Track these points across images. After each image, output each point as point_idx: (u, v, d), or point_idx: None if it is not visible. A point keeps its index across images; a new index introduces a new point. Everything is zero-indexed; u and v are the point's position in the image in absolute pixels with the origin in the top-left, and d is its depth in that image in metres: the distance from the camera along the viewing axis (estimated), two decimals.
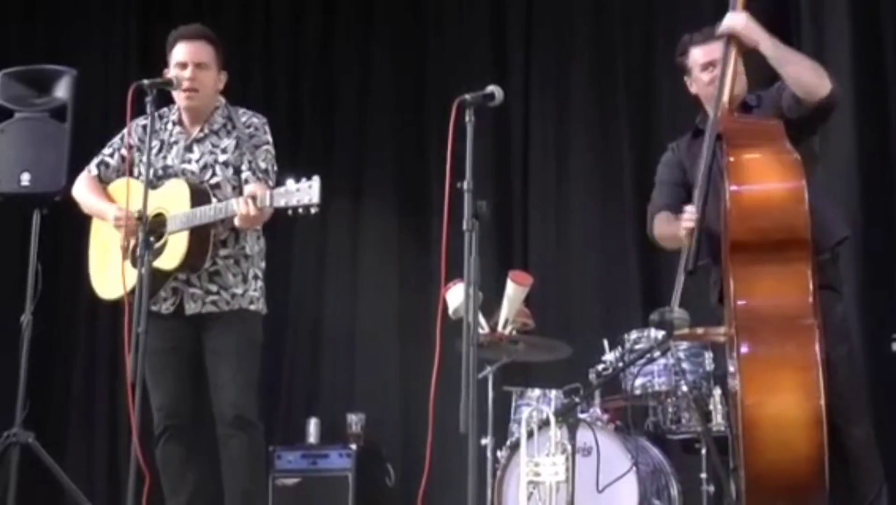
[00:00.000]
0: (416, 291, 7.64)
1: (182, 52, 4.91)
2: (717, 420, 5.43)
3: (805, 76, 4.30)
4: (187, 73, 4.88)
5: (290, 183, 4.48)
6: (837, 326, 4.21)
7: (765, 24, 4.47)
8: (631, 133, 7.43)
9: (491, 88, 3.96)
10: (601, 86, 7.60)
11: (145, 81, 4.58)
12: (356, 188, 8.02)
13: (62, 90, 5.24)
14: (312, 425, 7.24)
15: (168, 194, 4.81)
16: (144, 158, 4.75)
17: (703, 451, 5.46)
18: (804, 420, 3.72)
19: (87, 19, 8.24)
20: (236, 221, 4.65)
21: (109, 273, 4.88)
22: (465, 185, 3.81)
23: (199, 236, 4.73)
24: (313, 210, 4.45)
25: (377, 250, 7.99)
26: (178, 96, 4.94)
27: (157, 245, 4.72)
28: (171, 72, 4.90)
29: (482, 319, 5.17)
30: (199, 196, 4.77)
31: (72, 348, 7.92)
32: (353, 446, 6.96)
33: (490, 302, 5.11)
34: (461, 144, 3.85)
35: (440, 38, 8.11)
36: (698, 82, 4.65)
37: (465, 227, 3.80)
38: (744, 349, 3.82)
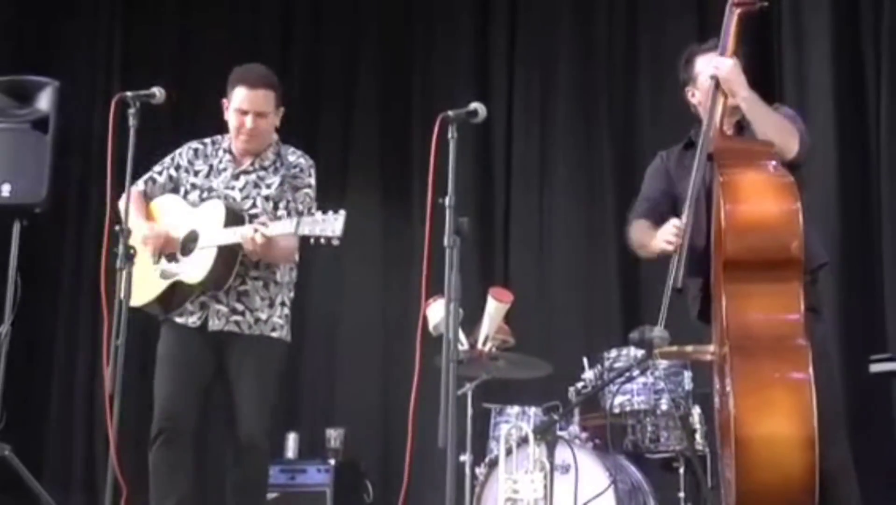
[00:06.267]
0: (397, 307, 7.65)
1: (243, 100, 4.96)
2: (698, 439, 5.45)
3: (773, 137, 4.33)
4: (248, 121, 4.94)
5: (319, 214, 4.57)
6: (817, 348, 4.21)
7: (747, 56, 4.50)
8: (613, 151, 7.46)
9: (474, 105, 3.97)
10: (584, 103, 7.63)
11: (128, 94, 4.59)
12: (339, 203, 7.97)
13: (44, 101, 5.23)
14: (291, 440, 7.23)
15: (205, 213, 4.90)
16: (192, 180, 4.98)
17: (682, 470, 5.46)
18: (797, 441, 3.71)
19: (71, 31, 8.23)
20: (246, 246, 4.69)
21: (138, 282, 4.89)
22: (447, 201, 3.81)
23: (226, 256, 4.78)
24: (334, 242, 4.52)
25: (358, 265, 7.99)
26: (235, 138, 5.02)
27: (186, 260, 4.84)
28: (231, 114, 4.98)
29: (462, 336, 5.17)
30: (233, 217, 4.83)
31: (50, 361, 7.89)
32: (332, 461, 6.96)
33: (470, 318, 5.11)
34: (444, 160, 3.86)
35: (425, 56, 8.13)
36: (704, 90, 4.64)
37: (446, 243, 3.80)
38: (737, 368, 3.79)
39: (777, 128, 4.36)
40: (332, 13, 8.34)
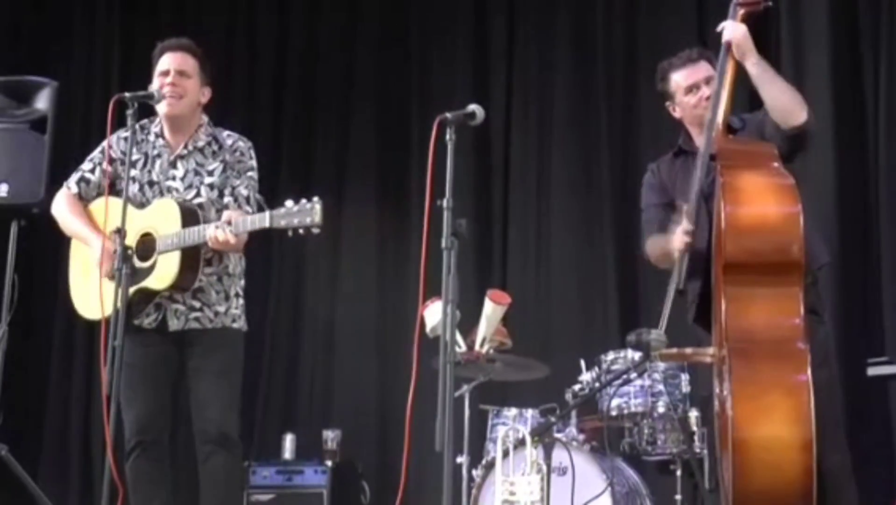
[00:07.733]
0: (394, 309, 7.64)
1: (165, 61, 4.91)
2: (695, 441, 5.45)
3: (783, 100, 4.32)
4: (169, 78, 4.86)
5: (290, 204, 4.46)
6: (818, 351, 4.20)
7: None
8: (612, 153, 7.45)
9: (472, 107, 3.96)
10: (582, 106, 7.62)
11: (127, 94, 4.56)
12: (336, 204, 8.00)
13: (42, 101, 5.22)
14: (288, 441, 7.22)
15: (157, 214, 4.78)
16: (131, 173, 4.74)
17: (679, 472, 5.46)
18: (795, 444, 3.71)
19: (69, 32, 8.23)
20: (210, 244, 4.62)
21: (91, 292, 4.81)
22: (445, 203, 3.80)
23: (191, 257, 4.70)
24: (315, 230, 4.45)
25: (355, 267, 7.99)
26: (160, 106, 4.88)
27: (147, 265, 4.71)
28: (154, 82, 4.88)
29: (459, 338, 5.17)
30: (189, 216, 4.72)
31: (47, 361, 7.88)
32: (329, 463, 6.95)
33: (468, 320, 5.11)
34: (442, 162, 3.85)
35: (424, 58, 8.13)
36: (683, 106, 4.63)
37: (443, 244, 3.80)
38: (737, 371, 3.79)
39: (786, 92, 4.37)
40: (330, 14, 8.34)
